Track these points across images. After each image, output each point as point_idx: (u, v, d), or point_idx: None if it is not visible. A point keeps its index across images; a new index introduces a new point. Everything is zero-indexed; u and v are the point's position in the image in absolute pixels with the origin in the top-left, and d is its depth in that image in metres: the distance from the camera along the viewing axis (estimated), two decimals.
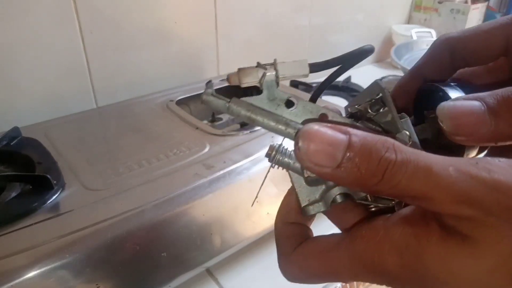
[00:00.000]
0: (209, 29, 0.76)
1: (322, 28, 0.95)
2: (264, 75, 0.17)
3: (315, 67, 0.18)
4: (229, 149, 0.46)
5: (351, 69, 0.18)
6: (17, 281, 0.30)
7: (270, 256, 0.46)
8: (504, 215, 0.13)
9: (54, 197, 0.38)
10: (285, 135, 0.16)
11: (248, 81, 0.17)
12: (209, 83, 0.17)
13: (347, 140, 0.14)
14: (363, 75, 1.01)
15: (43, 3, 0.57)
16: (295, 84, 0.87)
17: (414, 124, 0.17)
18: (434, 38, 1.02)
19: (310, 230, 0.19)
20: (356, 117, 0.18)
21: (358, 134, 0.14)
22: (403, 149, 0.14)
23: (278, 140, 0.18)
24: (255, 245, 0.46)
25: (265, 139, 0.49)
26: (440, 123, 0.15)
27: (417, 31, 1.03)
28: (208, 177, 0.41)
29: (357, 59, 0.18)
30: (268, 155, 0.17)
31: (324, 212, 0.18)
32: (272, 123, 0.16)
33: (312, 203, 0.17)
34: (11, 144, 0.47)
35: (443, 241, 0.14)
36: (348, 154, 0.14)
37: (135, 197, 0.39)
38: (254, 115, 0.16)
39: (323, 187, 0.17)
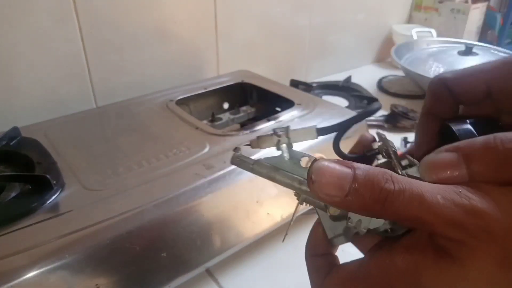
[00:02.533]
0: (209, 29, 0.76)
1: (322, 27, 0.95)
2: (279, 142, 0.20)
3: (322, 132, 0.21)
4: (229, 149, 0.46)
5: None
6: (16, 281, 0.30)
7: (270, 257, 0.46)
8: (482, 236, 0.15)
9: (53, 197, 0.38)
10: (299, 191, 0.19)
11: (267, 147, 0.20)
12: (236, 149, 0.21)
13: (352, 173, 0.16)
14: (364, 74, 1.01)
15: (43, 3, 0.57)
16: (295, 83, 0.87)
17: None
18: (435, 38, 1.02)
19: (336, 257, 0.22)
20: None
21: (362, 168, 0.17)
22: (400, 180, 0.16)
23: None
24: (255, 245, 0.46)
25: None
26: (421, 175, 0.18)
27: (418, 30, 1.03)
28: (208, 177, 0.41)
29: (363, 118, 0.21)
30: (296, 194, 0.20)
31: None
32: (288, 181, 0.19)
33: (336, 236, 0.20)
34: (11, 144, 0.46)
35: (437, 264, 0.16)
36: (354, 185, 0.16)
37: (135, 197, 0.38)
38: (273, 174, 0.19)
39: (345, 222, 0.19)
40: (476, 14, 1.10)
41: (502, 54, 0.90)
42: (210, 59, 0.79)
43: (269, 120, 0.53)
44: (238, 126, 0.64)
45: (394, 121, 0.76)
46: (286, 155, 0.19)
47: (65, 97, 0.63)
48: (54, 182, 0.39)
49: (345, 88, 0.90)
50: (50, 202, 0.37)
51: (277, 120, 0.53)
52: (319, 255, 0.22)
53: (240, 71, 0.74)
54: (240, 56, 0.83)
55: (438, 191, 0.16)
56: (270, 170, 0.19)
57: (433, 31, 1.05)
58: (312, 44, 0.95)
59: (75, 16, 0.60)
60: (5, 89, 0.58)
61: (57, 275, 0.32)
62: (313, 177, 0.17)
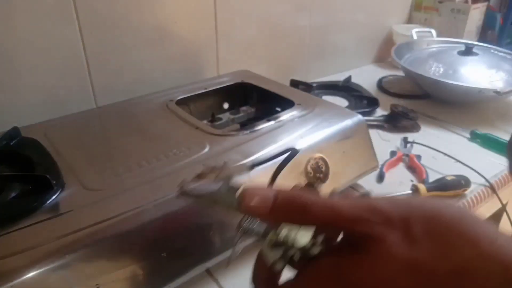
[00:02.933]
0: (209, 29, 0.76)
1: (322, 28, 0.95)
2: (217, 176, 0.25)
3: (253, 167, 0.26)
4: (229, 149, 0.46)
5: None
6: (16, 281, 0.30)
7: None
8: (384, 224, 0.20)
9: (53, 197, 0.38)
10: (237, 213, 0.23)
11: (208, 180, 0.26)
12: (183, 182, 0.25)
13: (275, 192, 0.22)
14: (364, 74, 1.01)
15: (43, 3, 0.57)
16: (295, 83, 0.88)
17: None
18: (435, 38, 1.02)
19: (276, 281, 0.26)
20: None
21: (283, 189, 0.22)
22: (314, 195, 0.22)
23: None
24: (256, 245, 0.46)
25: (265, 139, 0.49)
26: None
27: (418, 30, 1.03)
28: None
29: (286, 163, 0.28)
30: (237, 228, 0.25)
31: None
32: (226, 207, 0.23)
33: (275, 261, 0.24)
34: (11, 144, 0.47)
35: (352, 258, 0.21)
36: (278, 200, 0.22)
37: (135, 197, 0.38)
38: (214, 205, 0.24)
39: (282, 249, 0.23)
40: (476, 14, 1.10)
41: (502, 54, 0.90)
42: (210, 59, 0.79)
43: (269, 120, 0.53)
44: (238, 126, 0.64)
45: (394, 121, 0.76)
46: (225, 186, 0.24)
47: (65, 97, 0.63)
48: (54, 182, 0.39)
49: (345, 88, 0.90)
50: (50, 202, 0.37)
51: (277, 120, 0.53)
52: (263, 281, 0.25)
53: (240, 71, 0.74)
54: (240, 56, 0.83)
55: (345, 201, 0.21)
56: (210, 202, 0.24)
57: (433, 31, 1.05)
58: (312, 44, 0.95)
59: (75, 16, 0.60)
60: (6, 89, 0.58)
61: (57, 275, 0.32)
62: (244, 197, 0.22)
